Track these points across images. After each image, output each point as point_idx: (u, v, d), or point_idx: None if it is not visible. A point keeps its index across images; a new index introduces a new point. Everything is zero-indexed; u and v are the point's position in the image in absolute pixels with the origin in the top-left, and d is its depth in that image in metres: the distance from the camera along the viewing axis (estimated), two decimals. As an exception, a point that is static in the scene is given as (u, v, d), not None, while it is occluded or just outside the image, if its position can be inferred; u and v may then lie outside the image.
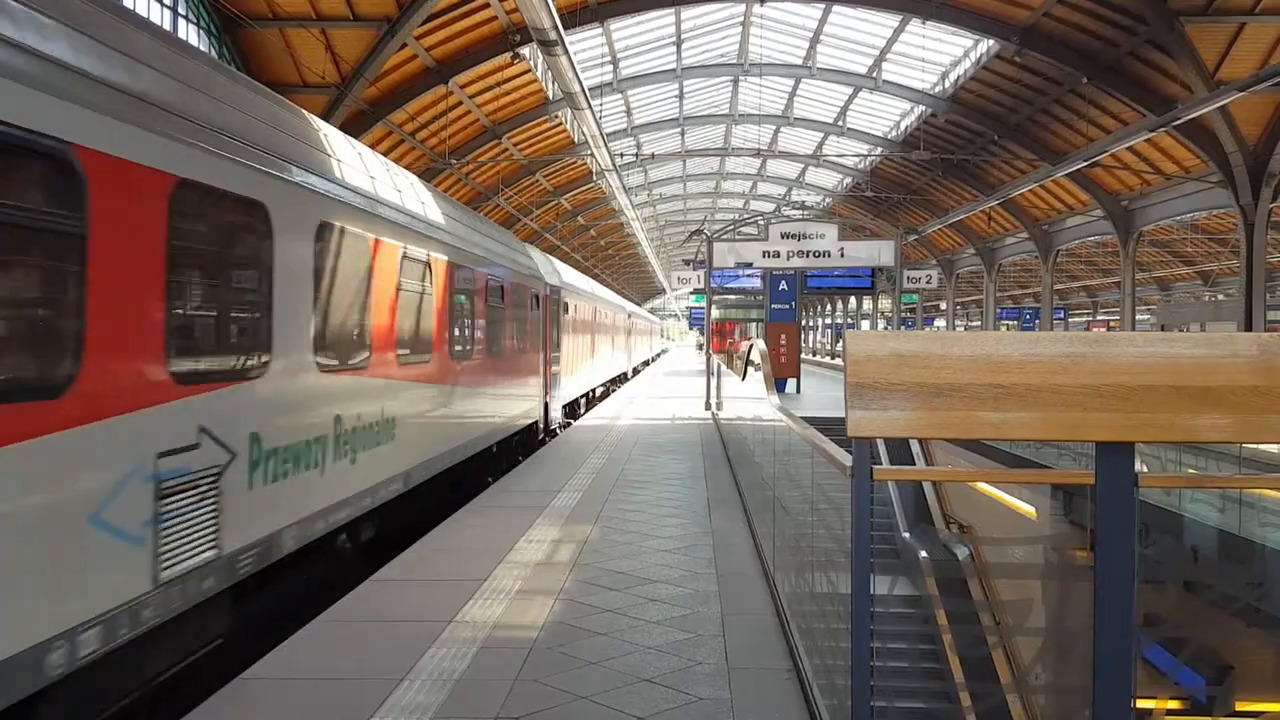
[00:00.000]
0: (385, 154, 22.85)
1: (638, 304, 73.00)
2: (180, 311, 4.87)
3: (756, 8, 27.87)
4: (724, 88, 35.80)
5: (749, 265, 22.60)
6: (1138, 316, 36.90)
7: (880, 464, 2.64)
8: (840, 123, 36.87)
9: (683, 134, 40.41)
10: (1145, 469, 2.66)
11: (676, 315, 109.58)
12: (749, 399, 10.51)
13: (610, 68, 29.77)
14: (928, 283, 31.47)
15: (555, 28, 12.73)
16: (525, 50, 22.86)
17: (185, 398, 4.78)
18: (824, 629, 4.44)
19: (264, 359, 5.71)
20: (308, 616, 5.83)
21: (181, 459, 4.72)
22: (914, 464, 14.66)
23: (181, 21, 18.04)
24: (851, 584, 2.61)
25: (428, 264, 9.10)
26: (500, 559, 7.30)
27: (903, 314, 40.84)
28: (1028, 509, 10.80)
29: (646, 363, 57.48)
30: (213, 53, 19.12)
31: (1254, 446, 10.41)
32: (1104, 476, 2.44)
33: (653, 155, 37.66)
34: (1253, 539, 9.89)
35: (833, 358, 51.79)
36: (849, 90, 33.69)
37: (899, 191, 40.09)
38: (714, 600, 6.26)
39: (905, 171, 39.00)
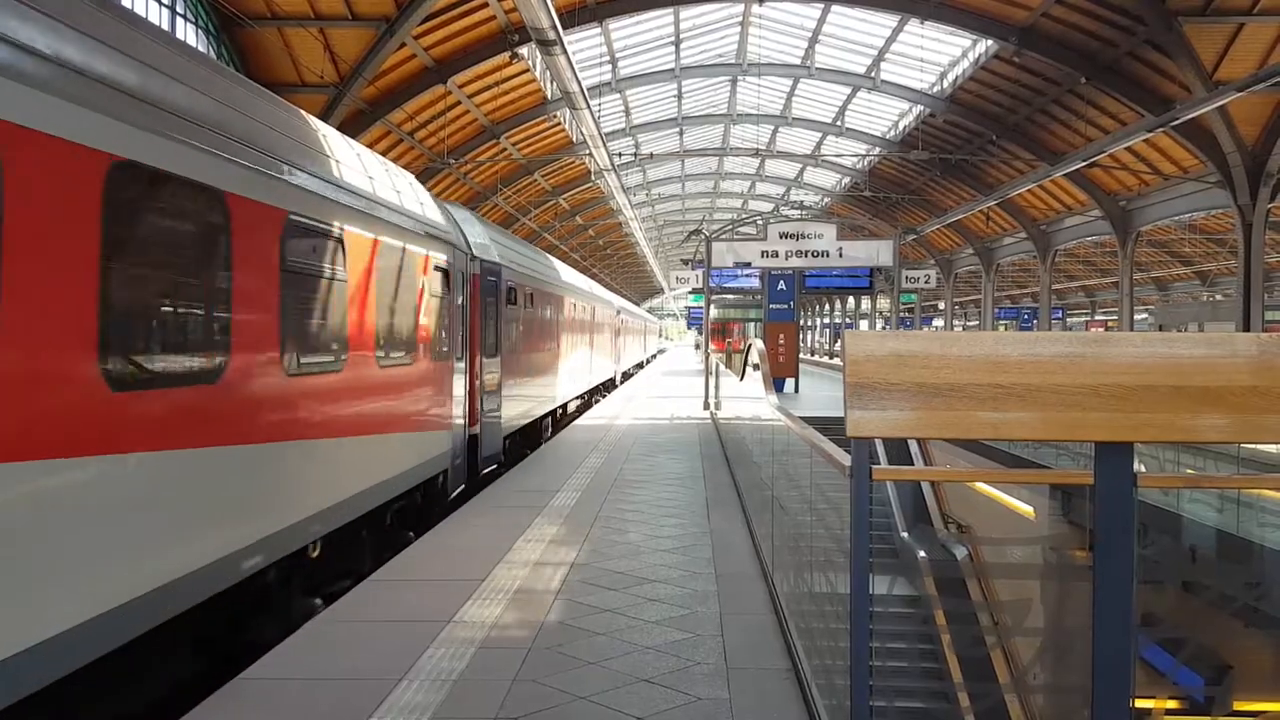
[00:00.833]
0: (383, 154, 22.86)
1: (635, 302, 72.62)
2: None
3: (755, 8, 27.88)
4: (722, 88, 35.81)
5: (747, 265, 22.61)
6: (1136, 316, 36.93)
7: (879, 464, 2.63)
8: (839, 123, 36.88)
9: (681, 134, 40.42)
10: (1144, 469, 2.65)
11: (675, 315, 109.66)
12: (748, 399, 10.52)
13: (609, 67, 29.77)
14: (926, 283, 31.48)
15: (554, 27, 12.72)
16: (524, 50, 22.85)
17: None
18: (823, 629, 4.44)
19: None
20: None
21: None
22: (913, 464, 14.66)
23: (180, 21, 18.03)
24: (850, 584, 2.61)
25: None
26: (499, 559, 7.29)
27: (901, 314, 40.85)
28: (1026, 509, 10.80)
29: (640, 365, 51.40)
30: (211, 52, 19.13)
31: (1252, 446, 10.42)
32: (1103, 476, 2.44)
33: (651, 155, 37.64)
34: (1251, 539, 9.90)
35: (831, 357, 51.83)
36: (847, 90, 33.70)
37: (897, 191, 40.10)
38: (713, 600, 6.25)
39: (904, 171, 39.01)
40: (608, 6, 23.89)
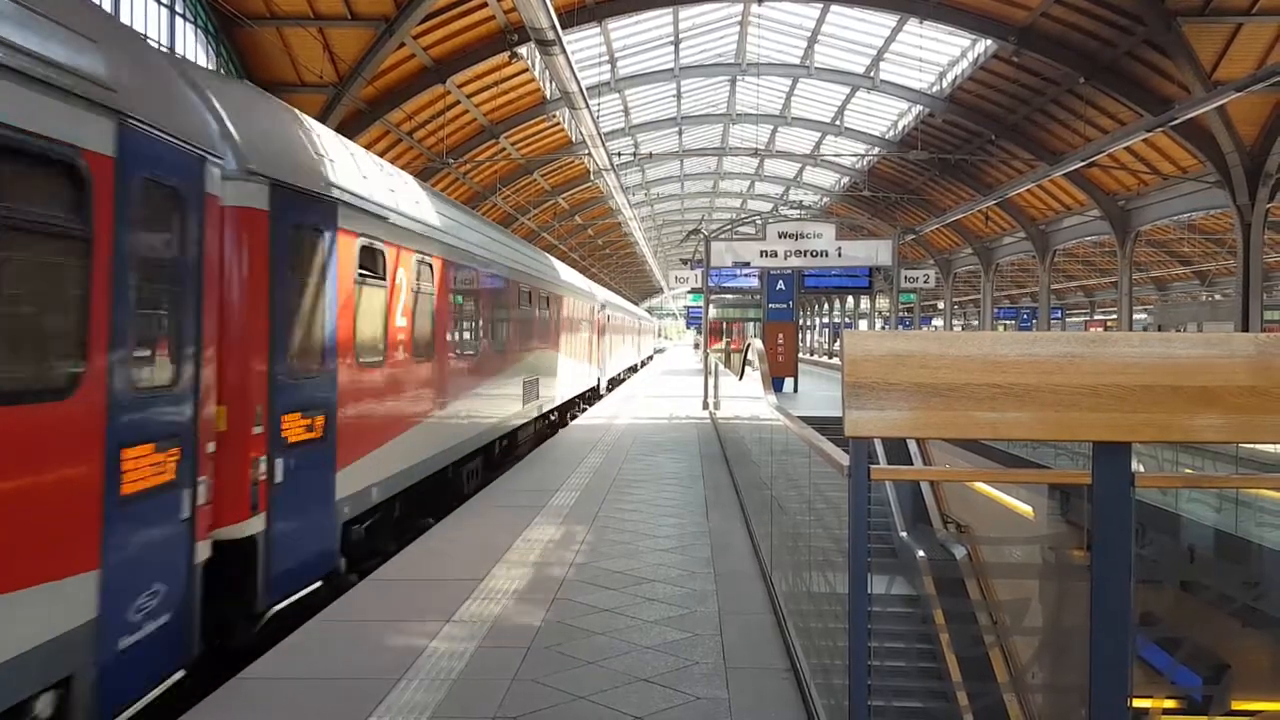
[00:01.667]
0: (382, 154, 22.87)
1: (635, 302, 72.27)
2: None
3: (754, 7, 27.87)
4: (721, 87, 35.80)
5: (746, 264, 22.62)
6: (1135, 316, 36.94)
7: (878, 464, 2.64)
8: (838, 122, 36.88)
9: (680, 133, 40.41)
10: (1142, 469, 2.65)
11: (674, 314, 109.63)
12: (746, 398, 10.52)
13: (608, 67, 29.76)
14: (925, 282, 31.52)
15: (553, 27, 12.72)
16: (523, 50, 22.84)
17: None
18: (821, 628, 4.44)
19: None
20: None
21: None
22: (911, 464, 14.67)
23: (179, 21, 18.02)
24: (849, 583, 2.62)
25: None
26: (498, 558, 7.30)
27: (900, 313, 40.84)
28: (1025, 509, 10.82)
29: (634, 369, 45.18)
30: (211, 52, 19.14)
31: (1251, 446, 10.42)
32: (1101, 476, 2.45)
33: (650, 155, 37.63)
34: (1249, 539, 9.91)
35: (830, 357, 51.84)
36: (846, 90, 33.69)
37: (896, 191, 40.11)
38: (711, 600, 6.26)
39: (903, 171, 39.02)
40: (607, 6, 23.88)
